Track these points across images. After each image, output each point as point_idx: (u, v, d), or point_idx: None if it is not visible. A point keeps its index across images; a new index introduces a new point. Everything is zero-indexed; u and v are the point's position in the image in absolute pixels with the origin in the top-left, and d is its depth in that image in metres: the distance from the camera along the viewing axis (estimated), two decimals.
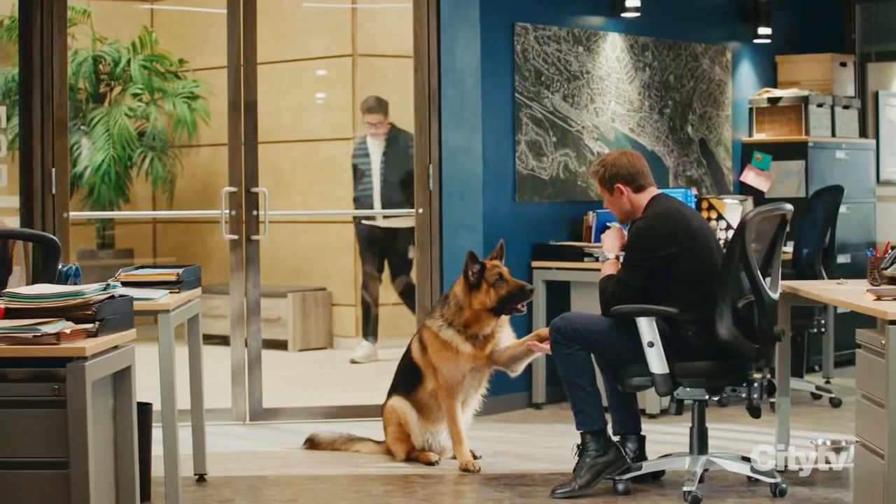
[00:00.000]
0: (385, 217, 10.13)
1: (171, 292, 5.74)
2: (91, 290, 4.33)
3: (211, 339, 9.95)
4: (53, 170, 7.70)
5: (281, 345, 11.03)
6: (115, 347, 4.39)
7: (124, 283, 5.77)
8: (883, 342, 4.92)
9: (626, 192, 6.19)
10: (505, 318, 6.80)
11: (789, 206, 6.05)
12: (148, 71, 11.88)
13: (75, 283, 5.26)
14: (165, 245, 12.48)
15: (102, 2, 12.11)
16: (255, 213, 8.03)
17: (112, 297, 4.38)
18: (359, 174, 10.39)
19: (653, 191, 6.23)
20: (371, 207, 10.18)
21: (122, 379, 4.50)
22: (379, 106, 10.23)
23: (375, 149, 10.22)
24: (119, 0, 12.40)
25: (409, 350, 6.99)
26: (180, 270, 5.96)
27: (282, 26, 11.31)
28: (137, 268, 6.26)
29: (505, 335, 6.80)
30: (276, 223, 10.99)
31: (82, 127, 11.71)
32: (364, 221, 10.38)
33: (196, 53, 11.96)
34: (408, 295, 9.87)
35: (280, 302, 11.09)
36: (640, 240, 6.08)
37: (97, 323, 4.24)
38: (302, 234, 11.48)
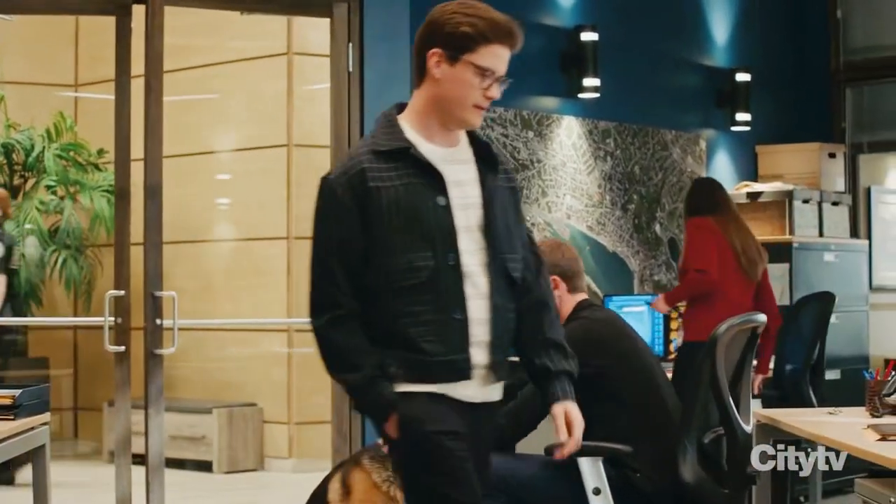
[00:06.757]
0: None
1: (1, 419, 4.87)
2: None
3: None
4: None
5: (205, 466, 10.26)
6: None
7: None
8: (893, 500, 3.75)
9: (561, 290, 5.27)
10: None
11: (762, 317, 5.15)
12: (64, 161, 11.03)
13: None
14: (87, 354, 11.50)
15: (20, 86, 11.36)
16: (158, 321, 6.89)
17: None
18: None
19: (582, 296, 5.39)
20: None
21: None
22: None
23: None
24: (38, 85, 11.64)
25: (323, 492, 5.76)
26: (17, 392, 4.99)
27: (216, 113, 10.62)
28: None
29: None
30: (203, 331, 9.83)
31: None
32: None
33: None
34: None
35: (205, 418, 10.32)
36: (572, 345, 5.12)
37: None
38: (231, 343, 10.68)
